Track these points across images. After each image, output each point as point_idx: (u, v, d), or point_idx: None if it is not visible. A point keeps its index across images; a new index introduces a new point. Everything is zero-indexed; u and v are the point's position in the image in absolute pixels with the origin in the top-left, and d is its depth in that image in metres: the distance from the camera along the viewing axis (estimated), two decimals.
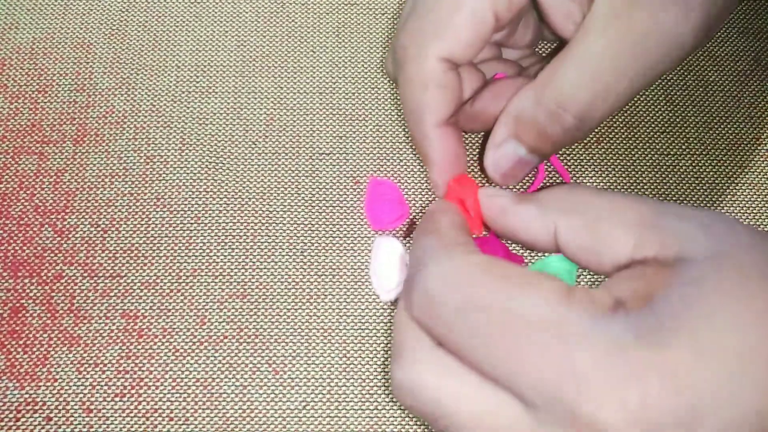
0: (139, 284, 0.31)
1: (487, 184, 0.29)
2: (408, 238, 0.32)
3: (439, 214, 0.23)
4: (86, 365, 0.29)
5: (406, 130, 0.34)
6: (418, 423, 0.29)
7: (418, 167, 0.33)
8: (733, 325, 0.16)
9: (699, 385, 0.15)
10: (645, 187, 0.33)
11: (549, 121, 0.25)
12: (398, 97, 0.35)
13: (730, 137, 0.34)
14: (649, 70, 0.25)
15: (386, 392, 0.29)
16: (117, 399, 0.29)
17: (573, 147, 0.34)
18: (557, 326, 0.16)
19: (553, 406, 0.16)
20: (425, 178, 0.33)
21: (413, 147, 0.34)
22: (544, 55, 0.34)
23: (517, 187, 0.33)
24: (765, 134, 0.35)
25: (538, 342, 0.16)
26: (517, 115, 0.26)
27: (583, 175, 0.34)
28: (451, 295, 0.18)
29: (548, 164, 0.33)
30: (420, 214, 0.33)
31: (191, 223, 0.32)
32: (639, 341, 0.15)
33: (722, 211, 0.33)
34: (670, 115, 0.35)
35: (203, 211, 0.32)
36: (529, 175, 0.32)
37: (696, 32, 0.25)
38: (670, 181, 0.33)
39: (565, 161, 0.34)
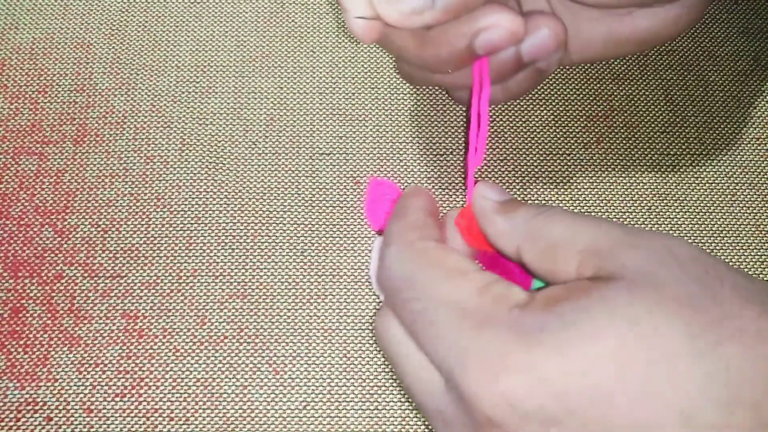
0: (139, 284, 0.31)
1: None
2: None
3: (410, 197, 0.24)
4: (86, 365, 0.29)
5: (406, 128, 0.34)
6: (419, 423, 0.29)
7: (418, 167, 0.33)
8: (599, 344, 0.17)
9: (560, 387, 0.17)
10: (645, 187, 0.33)
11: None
12: (398, 98, 0.35)
13: (730, 137, 0.34)
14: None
15: (386, 392, 0.29)
16: (117, 399, 0.29)
17: (572, 147, 0.34)
18: (464, 312, 0.19)
19: (450, 381, 0.19)
20: (425, 178, 0.33)
21: None
22: None
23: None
24: (765, 134, 0.35)
25: (445, 323, 0.19)
26: None
27: (583, 175, 0.34)
28: (396, 276, 0.21)
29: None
30: None
31: (191, 223, 0.32)
32: (520, 337, 0.18)
33: (722, 211, 0.33)
34: (670, 114, 0.35)
35: (203, 211, 0.32)
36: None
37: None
38: (670, 181, 0.33)
39: (564, 161, 0.34)
